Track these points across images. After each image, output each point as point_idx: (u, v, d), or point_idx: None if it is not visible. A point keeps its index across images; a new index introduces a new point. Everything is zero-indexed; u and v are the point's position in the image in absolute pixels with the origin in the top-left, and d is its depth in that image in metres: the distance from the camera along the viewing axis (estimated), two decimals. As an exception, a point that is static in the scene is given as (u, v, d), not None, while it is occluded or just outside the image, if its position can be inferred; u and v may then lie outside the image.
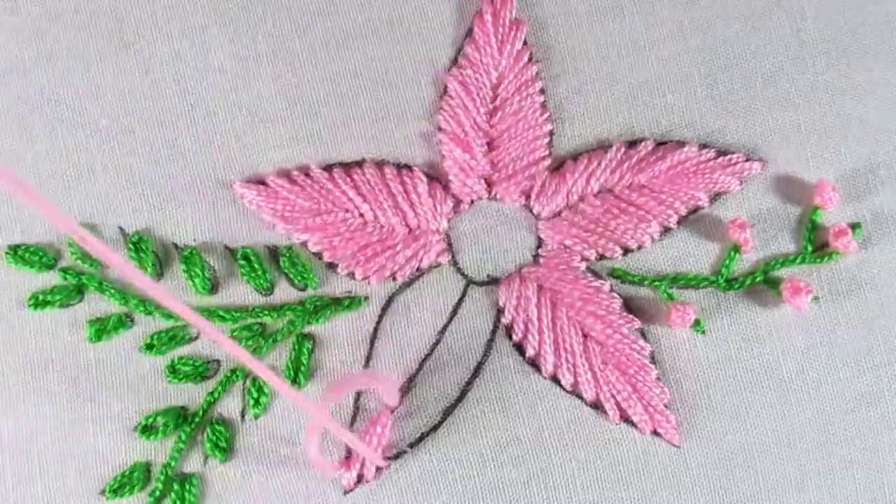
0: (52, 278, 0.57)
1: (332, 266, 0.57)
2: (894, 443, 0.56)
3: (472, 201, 0.57)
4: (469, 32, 0.58)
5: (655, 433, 0.56)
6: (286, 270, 0.57)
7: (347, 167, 0.57)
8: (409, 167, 0.57)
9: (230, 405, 0.56)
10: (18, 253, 0.56)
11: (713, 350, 0.56)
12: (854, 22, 0.58)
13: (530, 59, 0.58)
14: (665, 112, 0.58)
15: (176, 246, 0.57)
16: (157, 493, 0.55)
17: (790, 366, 0.56)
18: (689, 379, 0.56)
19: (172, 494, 0.55)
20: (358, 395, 0.56)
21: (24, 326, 0.56)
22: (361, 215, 0.57)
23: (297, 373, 0.56)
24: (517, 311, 0.56)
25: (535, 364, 0.56)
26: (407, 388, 0.56)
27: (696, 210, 0.57)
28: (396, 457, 0.56)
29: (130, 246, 0.56)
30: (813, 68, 0.58)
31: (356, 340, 0.57)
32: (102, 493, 0.55)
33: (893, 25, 0.58)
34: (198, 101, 0.58)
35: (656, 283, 0.56)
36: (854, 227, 0.56)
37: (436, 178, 0.57)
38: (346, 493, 0.55)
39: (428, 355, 0.56)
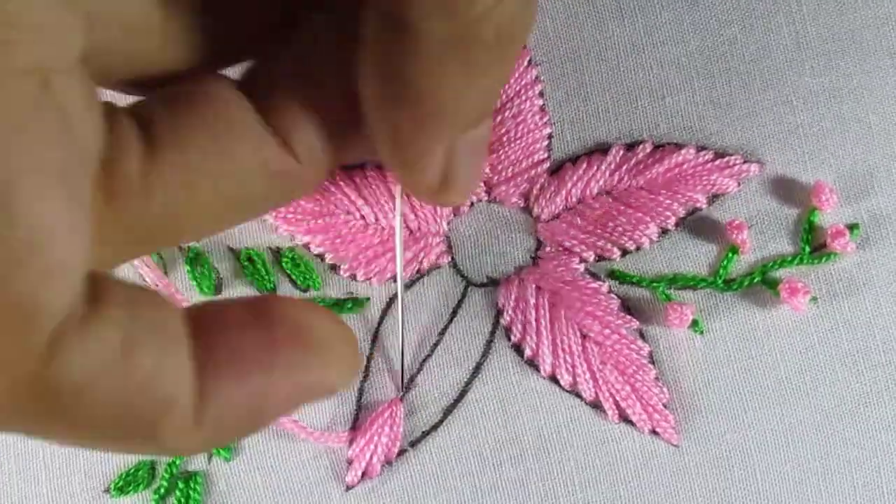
0: (58, 280, 0.57)
1: (334, 268, 0.58)
2: (893, 443, 0.56)
3: (472, 204, 0.58)
4: (469, 36, 0.58)
5: (654, 433, 0.56)
6: (289, 272, 0.57)
7: (349, 169, 0.58)
8: (409, 169, 0.58)
9: (234, 404, 0.57)
10: (25, 255, 0.57)
11: (711, 350, 0.57)
12: (853, 24, 0.58)
13: (530, 63, 0.58)
14: (664, 114, 0.58)
15: (180, 247, 0.58)
16: (162, 490, 0.56)
17: (788, 366, 0.57)
18: (687, 379, 0.57)
19: (177, 492, 0.56)
20: (360, 393, 0.57)
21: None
22: (363, 217, 0.58)
23: (300, 372, 0.57)
24: (516, 313, 0.57)
25: (533, 364, 0.57)
26: (407, 388, 0.57)
27: (694, 212, 0.57)
28: (398, 455, 0.57)
29: (135, 247, 0.57)
30: (811, 70, 0.58)
31: (358, 341, 0.57)
32: (107, 490, 0.56)
33: (892, 26, 0.58)
34: (202, 105, 0.58)
35: (654, 283, 0.57)
36: (852, 228, 0.57)
37: (436, 180, 0.58)
38: (347, 489, 0.56)
39: (428, 356, 0.57)
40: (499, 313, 0.57)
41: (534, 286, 0.57)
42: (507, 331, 0.57)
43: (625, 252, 0.57)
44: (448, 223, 0.58)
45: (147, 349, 0.30)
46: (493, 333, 0.57)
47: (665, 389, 0.56)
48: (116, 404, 0.30)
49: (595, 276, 0.57)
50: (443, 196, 0.40)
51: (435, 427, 0.57)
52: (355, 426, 0.56)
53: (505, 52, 0.35)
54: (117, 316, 0.30)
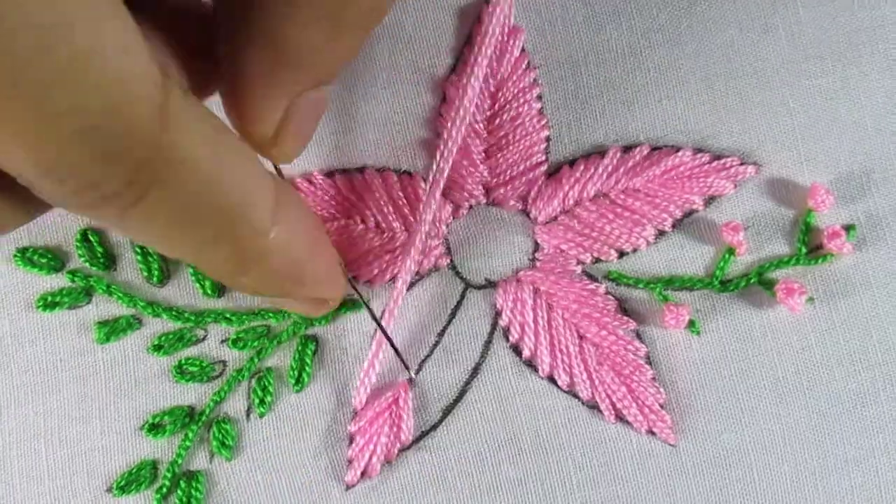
0: (61, 281, 0.58)
1: (334, 269, 0.58)
2: (890, 443, 0.57)
3: (471, 206, 0.58)
4: (468, 40, 0.59)
5: (651, 433, 0.57)
6: (290, 273, 0.58)
7: (349, 174, 0.58)
8: (409, 173, 0.58)
9: (236, 405, 0.58)
10: (27, 255, 0.58)
11: (708, 351, 0.57)
12: (849, 27, 0.58)
13: (528, 66, 0.58)
14: (660, 117, 0.58)
15: (182, 250, 0.58)
16: (164, 489, 0.56)
17: (785, 366, 0.57)
18: (684, 379, 0.57)
19: (179, 491, 0.57)
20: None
21: (33, 328, 0.57)
22: (363, 221, 0.58)
23: (301, 372, 0.57)
24: (514, 314, 0.57)
25: (531, 365, 0.57)
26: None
27: (690, 213, 0.58)
28: (398, 454, 0.57)
29: (137, 249, 0.58)
30: (807, 73, 0.58)
31: (358, 341, 0.58)
32: (109, 490, 0.57)
33: (888, 30, 0.59)
34: (204, 109, 0.59)
35: (651, 285, 0.57)
36: (848, 229, 0.57)
37: (435, 183, 0.58)
38: (347, 489, 0.57)
39: (427, 356, 0.57)
40: (497, 314, 0.58)
41: (532, 288, 0.57)
42: (506, 332, 0.57)
43: (622, 254, 0.58)
44: (447, 225, 0.58)
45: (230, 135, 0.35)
46: (491, 334, 0.57)
47: (662, 390, 0.57)
48: (213, 179, 0.34)
49: (592, 278, 0.58)
50: (272, 150, 0.41)
51: (434, 427, 0.57)
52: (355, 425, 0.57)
53: (372, 16, 0.37)
54: (204, 110, 0.34)
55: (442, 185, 0.56)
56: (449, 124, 0.57)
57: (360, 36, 0.38)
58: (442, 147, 0.56)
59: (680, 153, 0.57)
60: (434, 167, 0.56)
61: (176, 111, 0.32)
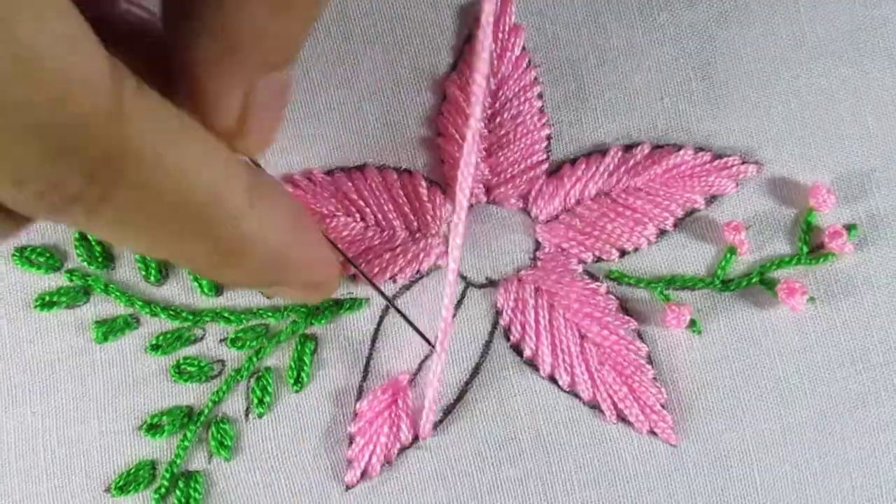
0: (59, 280, 0.58)
1: (333, 268, 0.58)
2: (891, 443, 0.56)
3: (471, 205, 0.58)
4: (469, 38, 0.58)
5: (652, 433, 0.56)
6: (289, 272, 0.57)
7: (349, 171, 0.58)
8: (409, 172, 0.58)
9: (235, 405, 0.57)
10: (25, 254, 0.57)
11: (710, 350, 0.57)
12: (850, 25, 0.58)
13: (529, 64, 0.58)
14: (662, 115, 0.58)
15: (181, 248, 0.58)
16: (163, 490, 0.56)
17: (786, 366, 0.57)
18: (685, 379, 0.57)
19: (177, 492, 0.56)
20: (359, 393, 0.57)
21: (31, 327, 0.57)
22: (363, 219, 0.58)
23: (300, 372, 0.57)
24: (515, 313, 0.57)
25: (532, 364, 0.57)
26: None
27: (692, 212, 0.57)
28: (398, 454, 0.57)
29: (136, 248, 0.57)
30: (809, 72, 0.58)
31: (357, 341, 0.57)
32: (108, 490, 0.56)
33: (889, 29, 0.58)
34: (202, 106, 0.58)
35: (653, 284, 0.57)
36: (850, 228, 0.57)
37: (436, 182, 0.58)
38: (347, 489, 0.56)
39: (427, 356, 0.57)
40: (498, 314, 0.57)
41: (532, 287, 0.57)
42: (507, 331, 0.57)
43: (623, 253, 0.57)
44: (447, 224, 0.58)
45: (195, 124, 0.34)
46: (492, 334, 0.57)
47: (663, 390, 0.56)
48: (180, 171, 0.33)
49: (593, 277, 0.57)
50: (240, 141, 0.40)
51: (434, 427, 0.57)
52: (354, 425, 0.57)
53: None
54: (164, 102, 0.33)
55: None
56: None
57: (308, 16, 0.36)
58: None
59: (681, 152, 0.57)
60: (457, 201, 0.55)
61: (131, 103, 0.30)
